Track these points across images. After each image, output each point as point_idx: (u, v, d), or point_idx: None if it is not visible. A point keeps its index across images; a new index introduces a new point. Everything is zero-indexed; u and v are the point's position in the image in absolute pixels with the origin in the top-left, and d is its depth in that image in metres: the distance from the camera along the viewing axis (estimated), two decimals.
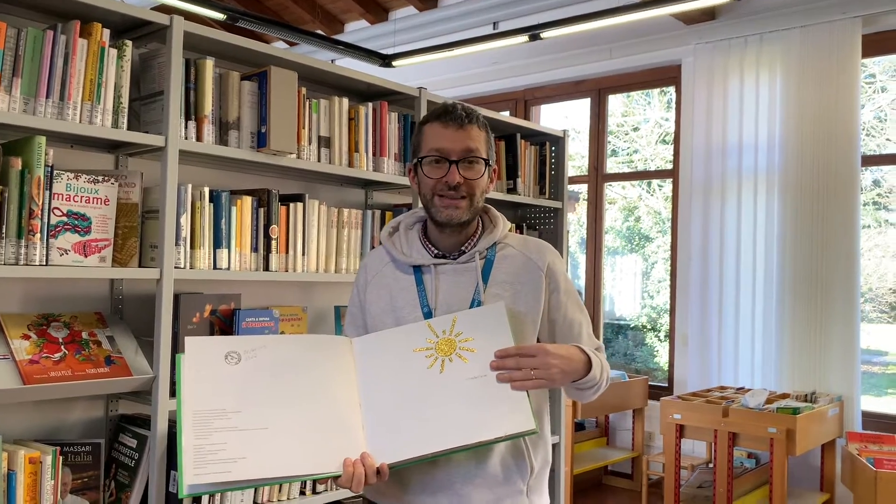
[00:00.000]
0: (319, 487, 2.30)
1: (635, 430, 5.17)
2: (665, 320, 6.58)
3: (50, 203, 1.78)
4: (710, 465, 4.63)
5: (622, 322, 7.23)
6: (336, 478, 1.33)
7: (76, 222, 1.84)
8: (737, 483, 3.96)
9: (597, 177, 5.58)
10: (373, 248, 2.47)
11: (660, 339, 6.88)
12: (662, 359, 6.57)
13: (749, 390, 4.42)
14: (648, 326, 7.12)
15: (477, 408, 1.35)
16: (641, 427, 5.14)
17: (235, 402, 1.35)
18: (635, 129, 7.16)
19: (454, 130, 1.49)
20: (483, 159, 1.52)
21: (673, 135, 5.25)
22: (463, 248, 1.55)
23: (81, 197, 1.85)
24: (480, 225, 1.59)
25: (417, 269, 1.54)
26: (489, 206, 1.62)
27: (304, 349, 1.46)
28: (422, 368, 1.40)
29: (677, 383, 5.04)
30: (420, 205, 1.58)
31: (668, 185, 5.87)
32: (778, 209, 4.64)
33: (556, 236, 3.18)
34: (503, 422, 1.34)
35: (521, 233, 3.07)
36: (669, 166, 5.41)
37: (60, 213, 1.82)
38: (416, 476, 1.48)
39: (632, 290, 7.44)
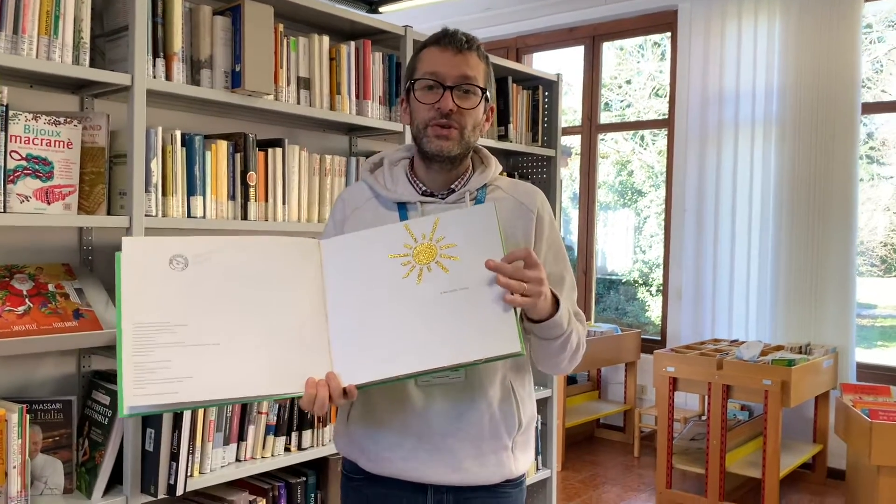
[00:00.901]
0: (305, 442, 2.23)
1: (627, 383, 5.14)
2: (657, 275, 6.53)
3: (6, 146, 1.66)
4: (703, 418, 4.60)
5: (614, 277, 7.18)
6: (298, 398, 1.22)
7: (37, 167, 1.72)
8: (730, 435, 3.93)
9: (590, 127, 5.45)
10: None
11: (651, 294, 6.85)
12: (654, 313, 6.55)
13: (743, 343, 4.37)
14: (640, 281, 7.07)
15: (457, 325, 1.22)
16: (634, 380, 5.11)
17: (182, 314, 1.20)
18: (628, 83, 7.01)
19: (451, 55, 1.39)
20: (480, 89, 1.41)
21: (667, 88, 5.11)
22: (452, 186, 1.45)
23: (42, 140, 1.73)
24: (471, 165, 1.49)
25: (402, 207, 1.44)
26: (481, 146, 1.52)
27: (263, 253, 1.28)
28: (397, 278, 1.27)
29: (670, 337, 4.99)
30: (409, 141, 1.46)
31: (661, 139, 5.74)
32: (775, 160, 4.54)
33: (548, 187, 3.07)
34: (486, 341, 1.21)
35: None
36: (664, 119, 5.28)
37: (19, 157, 1.69)
38: (392, 428, 1.40)
39: (624, 245, 7.37)
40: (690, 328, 4.87)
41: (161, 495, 1.86)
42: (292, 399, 1.55)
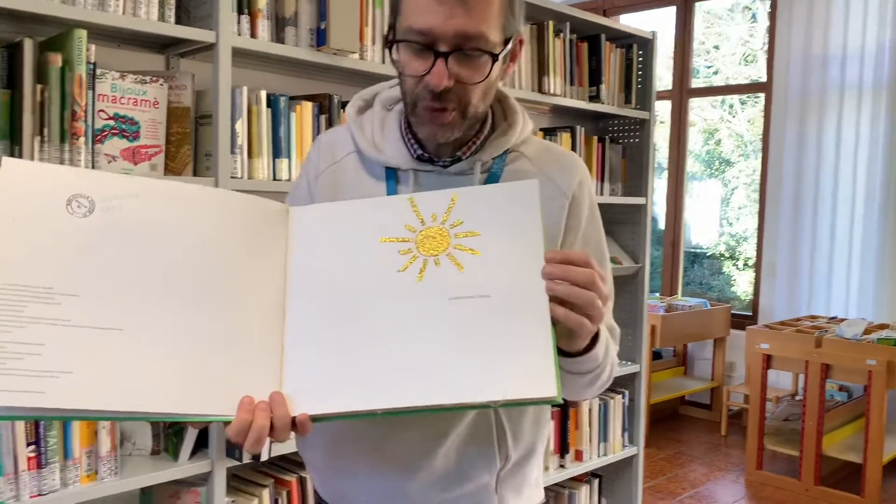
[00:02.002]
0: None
1: (715, 360, 4.94)
2: (744, 248, 6.26)
3: (94, 105, 1.64)
4: (797, 398, 4.38)
5: (699, 250, 6.93)
6: (224, 424, 0.84)
7: (124, 126, 1.70)
8: (827, 417, 3.72)
9: (681, 92, 5.21)
10: None
11: (738, 268, 6.59)
12: (741, 288, 6.31)
13: (843, 320, 4.12)
14: (726, 255, 6.80)
15: (468, 347, 0.86)
16: (722, 357, 4.91)
17: (72, 280, 0.83)
18: (716, 48, 6.69)
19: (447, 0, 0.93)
20: (490, 53, 0.96)
21: (757, 54, 4.81)
22: (460, 152, 1.07)
23: (129, 99, 1.70)
24: (490, 120, 1.10)
25: (391, 173, 1.07)
26: (505, 93, 1.13)
27: (206, 211, 0.91)
28: (390, 270, 0.91)
29: (762, 312, 4.76)
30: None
31: (750, 107, 5.44)
32: (885, 127, 4.23)
33: (641, 152, 2.91)
34: (509, 377, 0.83)
35: (604, 148, 2.81)
36: (760, 83, 4.98)
37: (106, 117, 1.67)
38: (341, 452, 1.08)
39: (709, 217, 7.09)
40: (785, 304, 4.63)
41: (246, 460, 1.85)
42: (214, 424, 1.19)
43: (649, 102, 2.86)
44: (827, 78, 4.42)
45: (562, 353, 0.92)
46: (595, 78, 2.69)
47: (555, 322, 0.85)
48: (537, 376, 0.83)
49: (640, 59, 2.86)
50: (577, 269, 0.86)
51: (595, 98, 2.69)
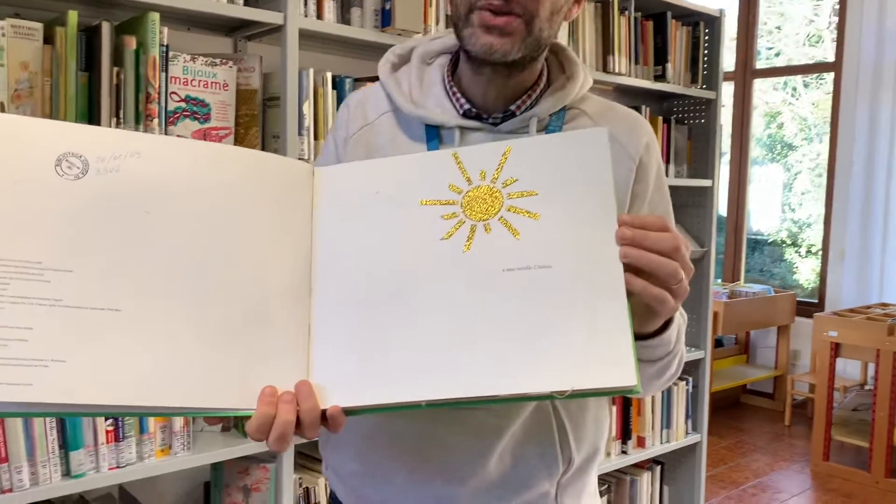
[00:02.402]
0: None
1: (779, 348, 4.82)
2: (807, 234, 6.08)
3: (167, 87, 1.67)
4: (867, 387, 4.25)
5: (759, 237, 6.76)
6: (244, 419, 0.73)
7: (195, 108, 1.73)
8: None
9: (745, 73, 5.07)
10: None
11: (800, 255, 6.41)
12: (803, 275, 6.14)
13: None
14: (788, 241, 6.62)
15: (528, 326, 0.73)
16: (786, 345, 4.79)
17: (64, 253, 0.72)
18: (778, 28, 6.49)
19: None
20: None
21: (822, 35, 4.64)
22: (512, 106, 0.95)
23: (199, 81, 1.73)
24: (546, 73, 0.98)
25: (433, 132, 0.95)
26: (563, 45, 1.02)
27: (220, 170, 0.79)
28: (432, 238, 0.79)
29: (829, 300, 4.62)
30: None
31: (813, 90, 5.26)
32: None
33: (707, 133, 2.84)
34: (576, 361, 0.70)
35: (669, 129, 2.75)
36: (829, 63, 4.81)
37: (178, 99, 1.70)
38: (372, 456, 0.95)
39: (770, 202, 6.90)
40: (854, 291, 4.48)
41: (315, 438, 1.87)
42: (236, 419, 1.09)
43: (716, 82, 2.78)
44: None
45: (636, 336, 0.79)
46: (660, 57, 2.63)
47: (630, 296, 0.73)
48: (612, 361, 0.69)
49: (707, 37, 2.78)
50: (656, 233, 0.73)
51: (660, 77, 2.64)
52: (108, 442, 1.59)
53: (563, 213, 0.77)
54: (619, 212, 0.76)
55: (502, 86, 0.93)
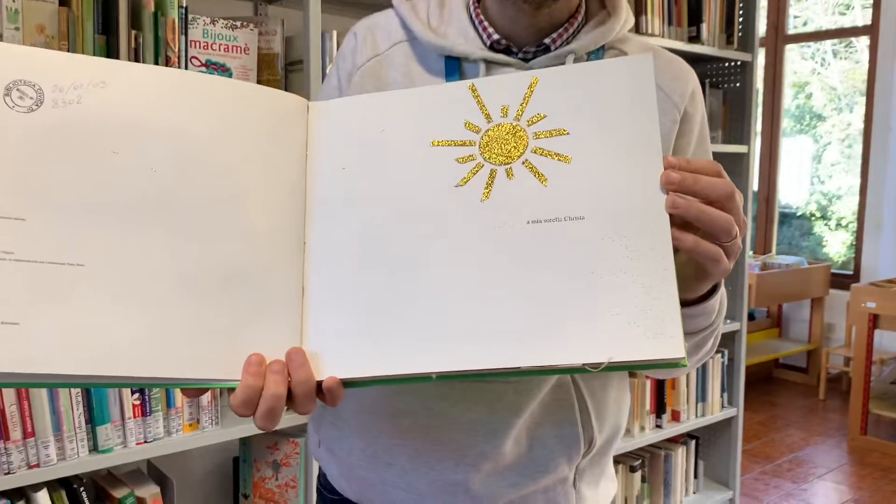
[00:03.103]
0: None
1: (813, 321, 4.72)
2: (837, 207, 5.94)
3: (187, 51, 1.61)
4: None
5: (787, 210, 6.62)
6: (228, 391, 0.64)
7: (216, 73, 1.67)
8: None
9: (776, 38, 4.92)
10: None
11: (830, 228, 6.27)
12: (833, 248, 6.01)
13: None
14: (818, 214, 6.48)
15: (556, 287, 0.63)
16: (820, 318, 4.68)
17: (13, 198, 0.62)
18: None
19: None
20: None
21: (852, 2, 4.49)
22: (547, 40, 0.83)
23: (220, 45, 1.67)
24: (584, 7, 0.87)
25: (453, 65, 0.83)
26: None
27: (199, 104, 0.68)
28: (445, 185, 0.68)
29: (865, 271, 4.50)
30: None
31: (841, 60, 5.10)
32: None
33: (743, 97, 2.74)
34: (613, 329, 0.60)
35: (703, 93, 2.65)
36: (865, 27, 4.65)
37: (199, 63, 1.65)
38: (375, 434, 0.85)
39: (798, 175, 6.75)
40: (891, 261, 4.36)
41: None
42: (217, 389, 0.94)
43: (752, 44, 2.68)
44: None
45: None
46: (695, 17, 2.53)
47: (675, 253, 0.62)
48: (656, 330, 0.59)
49: None
50: (708, 179, 0.63)
51: (695, 39, 2.54)
52: (135, 416, 1.55)
53: (598, 155, 0.66)
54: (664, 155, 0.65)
55: (535, 16, 0.81)
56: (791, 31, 5.50)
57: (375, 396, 0.85)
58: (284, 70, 1.80)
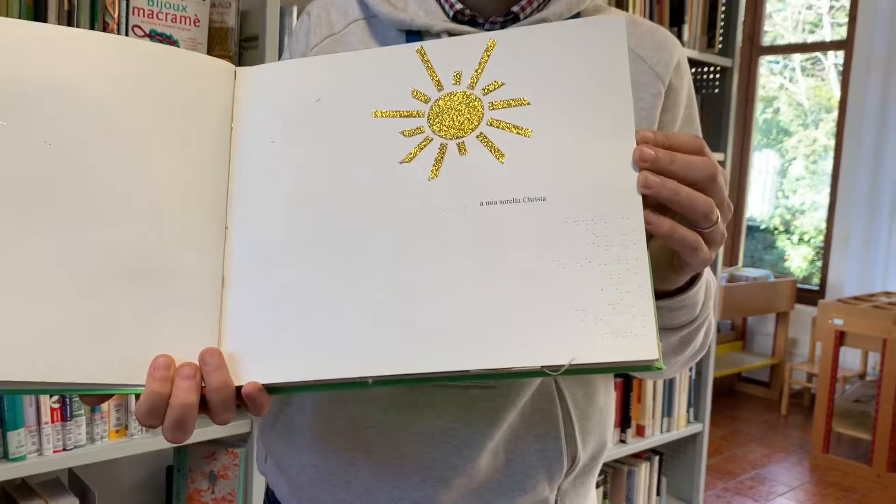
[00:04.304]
0: None
1: (777, 335, 4.68)
2: (800, 221, 5.95)
3: (128, 19, 1.46)
4: (868, 378, 4.12)
5: (751, 223, 6.63)
6: (137, 397, 0.55)
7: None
8: None
9: (751, 49, 4.88)
10: None
11: (792, 243, 6.29)
12: (794, 262, 6.03)
13: None
14: (781, 228, 6.49)
15: (512, 278, 0.55)
16: (785, 333, 4.64)
17: None
18: (775, 13, 6.33)
19: None
20: None
21: (822, 18, 4.46)
22: (515, 7, 0.75)
23: (167, 14, 1.52)
24: None
25: (414, 40, 0.76)
26: None
27: (104, 68, 0.58)
28: (388, 161, 0.60)
29: (831, 287, 4.47)
30: None
31: (808, 76, 5.10)
32: None
33: (721, 103, 2.66)
34: (577, 326, 0.52)
35: None
36: (841, 41, 4.63)
37: (142, 33, 1.50)
38: (332, 447, 0.75)
39: (762, 188, 6.77)
40: (857, 279, 4.34)
41: None
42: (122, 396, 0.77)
43: (733, 49, 2.60)
44: None
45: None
46: (677, 18, 2.44)
47: (649, 240, 0.54)
48: (625, 328, 0.51)
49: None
50: (686, 156, 0.55)
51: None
52: (53, 421, 1.40)
53: (562, 127, 0.57)
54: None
55: None
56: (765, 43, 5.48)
57: (332, 405, 0.75)
58: (238, 46, 1.66)
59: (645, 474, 2.61)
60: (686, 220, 0.56)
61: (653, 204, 0.55)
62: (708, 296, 0.70)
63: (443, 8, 0.76)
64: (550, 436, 0.75)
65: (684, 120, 0.78)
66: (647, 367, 0.51)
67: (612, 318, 0.52)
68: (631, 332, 0.51)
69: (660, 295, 0.63)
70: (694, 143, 0.56)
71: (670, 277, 0.62)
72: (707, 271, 0.69)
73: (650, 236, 0.55)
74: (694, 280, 0.64)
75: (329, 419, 0.75)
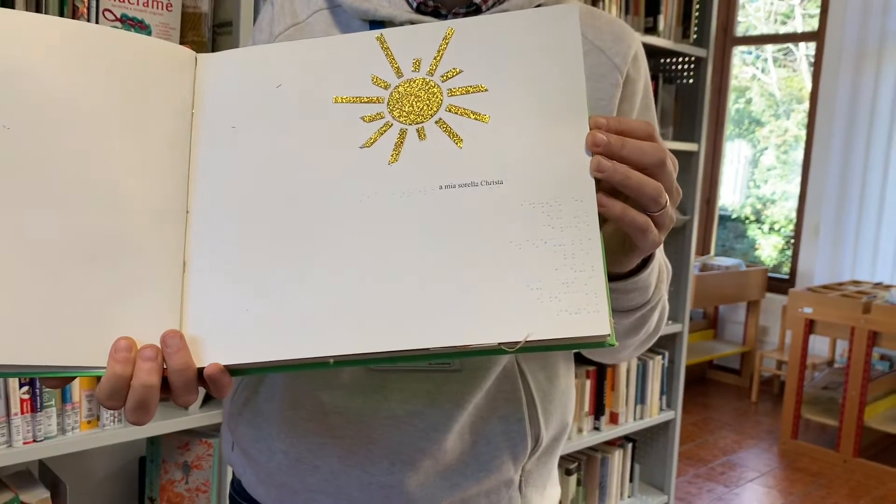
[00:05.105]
0: None
1: (748, 323, 4.74)
2: (771, 211, 6.03)
3: (98, 2, 1.43)
4: (836, 365, 4.19)
5: (722, 213, 6.71)
6: (96, 378, 0.58)
7: (132, 30, 1.49)
8: (871, 387, 3.53)
9: (724, 40, 4.92)
10: None
11: (763, 232, 6.38)
12: (765, 252, 6.12)
13: (890, 287, 3.90)
14: (752, 218, 6.57)
15: (470, 258, 0.56)
16: (755, 321, 4.71)
17: None
18: (752, 2, 6.38)
19: None
20: None
21: (794, 11, 4.52)
22: (477, 0, 0.76)
23: None
24: None
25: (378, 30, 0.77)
26: None
27: (63, 52, 0.59)
28: (347, 146, 0.61)
29: (801, 276, 4.54)
30: None
31: (781, 67, 5.15)
32: None
33: (696, 94, 2.68)
34: (531, 304, 0.54)
35: (657, 87, 2.58)
36: (812, 32, 4.68)
37: (113, 17, 1.47)
38: (300, 433, 0.77)
39: (734, 179, 6.85)
40: (826, 268, 4.41)
41: None
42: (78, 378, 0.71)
43: (707, 39, 2.61)
44: (888, 26, 4.13)
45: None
46: (653, 8, 2.44)
47: (602, 222, 0.56)
48: (578, 305, 0.53)
49: None
50: (636, 142, 0.57)
51: (651, 30, 2.45)
52: (22, 412, 1.37)
53: (519, 113, 0.59)
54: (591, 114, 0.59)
55: None
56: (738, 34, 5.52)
57: (301, 392, 0.76)
58: (212, 31, 1.63)
59: (618, 461, 2.63)
60: (637, 204, 0.58)
61: (605, 188, 0.57)
62: (661, 279, 0.72)
63: None
64: (514, 417, 0.77)
65: (641, 109, 0.81)
66: (600, 343, 0.53)
67: (566, 297, 0.54)
68: (584, 310, 0.53)
69: (613, 277, 0.65)
70: (644, 129, 0.58)
71: (622, 260, 0.63)
72: (661, 257, 0.72)
73: (603, 219, 0.57)
74: (646, 263, 0.66)
75: (297, 406, 0.76)
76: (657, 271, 0.70)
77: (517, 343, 0.53)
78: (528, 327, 0.53)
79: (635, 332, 0.74)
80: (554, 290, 0.54)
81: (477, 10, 0.76)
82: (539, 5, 0.76)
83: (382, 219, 0.58)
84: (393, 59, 0.63)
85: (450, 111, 0.60)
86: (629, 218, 0.57)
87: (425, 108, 0.61)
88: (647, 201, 0.57)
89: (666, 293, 0.75)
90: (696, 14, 2.61)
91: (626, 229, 0.58)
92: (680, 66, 2.72)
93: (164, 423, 1.54)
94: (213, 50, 1.63)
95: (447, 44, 0.62)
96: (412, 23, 0.73)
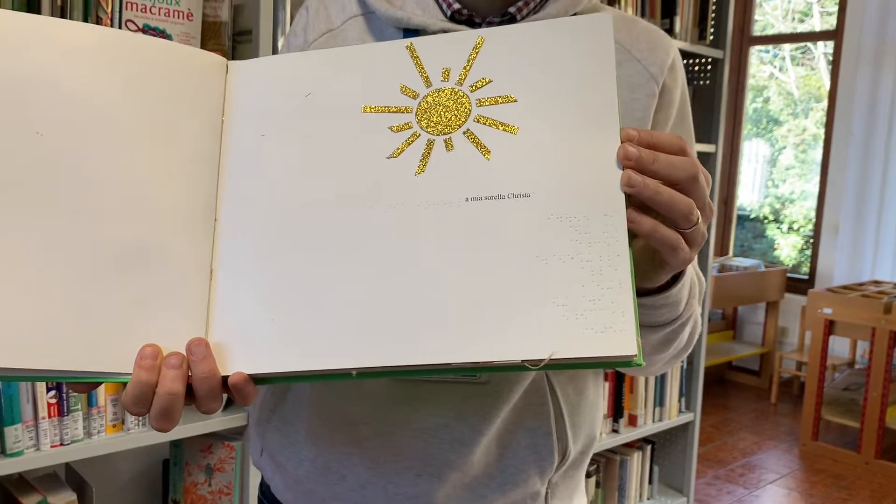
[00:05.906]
0: None
1: (767, 324, 4.71)
2: (790, 211, 5.99)
3: (121, 13, 1.46)
4: (857, 366, 4.16)
5: (741, 212, 6.67)
6: (122, 384, 0.56)
7: None
8: (892, 388, 3.50)
9: (741, 40, 4.89)
10: None
11: (782, 232, 6.33)
12: (784, 252, 6.08)
13: None
14: (771, 217, 6.53)
15: (496, 273, 0.55)
16: (774, 322, 4.68)
17: None
18: (769, 0, 6.34)
19: None
20: None
21: (812, 8, 4.48)
22: (512, 9, 0.75)
23: (160, 9, 1.52)
24: None
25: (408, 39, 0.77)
26: None
27: (95, 60, 0.59)
28: (375, 156, 0.60)
29: (820, 276, 4.51)
30: None
31: (799, 66, 5.12)
32: None
33: (713, 95, 2.67)
34: (558, 322, 0.53)
35: None
36: (831, 31, 4.65)
37: (135, 28, 1.49)
38: (327, 444, 0.77)
39: (752, 178, 6.80)
40: (846, 268, 4.37)
41: None
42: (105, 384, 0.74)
43: (724, 40, 2.60)
44: None
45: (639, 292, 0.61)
46: (669, 9, 2.44)
47: (632, 238, 0.55)
48: (605, 323, 0.52)
49: None
50: (668, 156, 0.56)
51: (668, 32, 2.45)
52: (50, 416, 1.40)
53: (548, 125, 0.58)
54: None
55: None
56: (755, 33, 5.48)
57: (327, 400, 0.77)
58: (231, 40, 1.66)
59: (637, 463, 2.63)
60: (668, 220, 0.56)
61: (636, 203, 0.56)
62: (692, 294, 0.70)
63: (440, 7, 0.76)
64: (542, 430, 0.77)
65: (677, 119, 0.79)
66: (626, 362, 0.52)
67: (592, 314, 0.52)
68: (610, 328, 0.52)
69: (642, 292, 0.64)
70: (677, 143, 0.57)
71: (652, 276, 0.62)
72: (693, 269, 0.71)
73: (633, 235, 0.55)
74: (677, 278, 0.65)
75: (326, 415, 0.77)
76: (688, 286, 0.68)
77: (541, 361, 0.52)
78: (552, 345, 0.52)
79: (665, 348, 0.72)
80: (580, 307, 0.52)
81: (512, 19, 0.75)
82: (576, 13, 0.76)
83: (407, 231, 0.57)
84: (422, 68, 0.62)
85: (478, 122, 0.59)
86: (659, 235, 0.55)
87: (453, 118, 0.60)
88: (678, 218, 0.55)
89: (699, 308, 0.73)
90: (713, 15, 2.60)
91: (657, 246, 0.57)
92: (697, 68, 2.71)
93: (187, 427, 1.56)
94: (233, 58, 1.65)
95: (477, 53, 0.61)
96: (445, 31, 0.73)
